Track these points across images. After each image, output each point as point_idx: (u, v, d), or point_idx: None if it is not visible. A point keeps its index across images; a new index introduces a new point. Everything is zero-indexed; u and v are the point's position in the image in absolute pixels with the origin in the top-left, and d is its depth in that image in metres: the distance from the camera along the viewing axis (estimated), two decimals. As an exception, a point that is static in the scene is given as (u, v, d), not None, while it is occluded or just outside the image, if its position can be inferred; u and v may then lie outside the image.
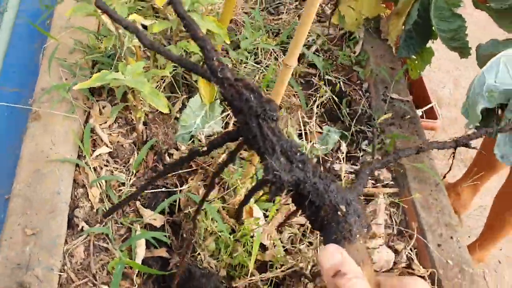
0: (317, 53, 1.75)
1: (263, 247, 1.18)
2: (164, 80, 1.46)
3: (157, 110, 1.40)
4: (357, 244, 0.51)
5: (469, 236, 2.20)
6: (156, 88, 1.42)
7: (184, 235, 1.17)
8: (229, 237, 1.12)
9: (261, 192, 1.21)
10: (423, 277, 1.25)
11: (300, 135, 1.46)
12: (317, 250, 1.19)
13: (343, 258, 0.49)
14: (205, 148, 0.59)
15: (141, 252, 1.13)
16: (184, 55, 1.43)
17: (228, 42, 1.21)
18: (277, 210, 1.22)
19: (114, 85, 1.16)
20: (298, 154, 0.52)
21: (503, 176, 1.88)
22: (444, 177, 1.10)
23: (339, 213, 0.51)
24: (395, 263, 1.26)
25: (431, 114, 2.09)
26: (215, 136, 1.39)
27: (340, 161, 1.44)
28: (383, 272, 1.24)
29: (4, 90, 1.47)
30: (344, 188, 0.53)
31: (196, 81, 1.40)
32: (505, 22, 1.51)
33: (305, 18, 0.80)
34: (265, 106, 0.51)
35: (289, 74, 0.87)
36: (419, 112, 2.04)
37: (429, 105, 2.07)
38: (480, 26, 2.47)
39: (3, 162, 1.25)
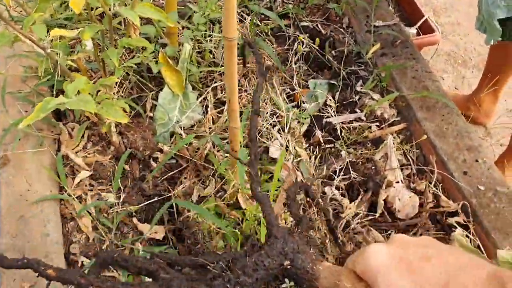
0: (286, 1, 1.60)
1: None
2: (130, 80, 1.36)
3: (130, 115, 1.30)
4: (319, 269, 0.64)
5: (501, 145, 2.05)
6: (120, 91, 1.32)
7: (189, 241, 1.09)
8: (234, 231, 1.03)
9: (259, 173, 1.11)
10: (454, 213, 1.14)
11: (289, 97, 1.34)
12: (327, 219, 1.09)
13: None
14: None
15: (149, 271, 1.05)
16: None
17: (172, 25, 1.08)
18: (278, 188, 1.12)
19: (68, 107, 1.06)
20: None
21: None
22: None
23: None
24: (421, 205, 1.15)
25: (427, 28, 1.92)
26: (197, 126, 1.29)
27: (337, 113, 1.32)
28: (411, 218, 1.14)
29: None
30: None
31: (159, 71, 1.29)
32: None
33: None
34: None
35: (235, 48, 0.75)
36: (413, 29, 1.88)
37: (422, 19, 1.90)
38: None
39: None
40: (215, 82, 1.36)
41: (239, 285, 0.62)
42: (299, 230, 0.73)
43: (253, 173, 0.73)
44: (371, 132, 1.29)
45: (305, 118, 1.24)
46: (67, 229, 1.11)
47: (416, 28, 1.91)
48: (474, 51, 2.37)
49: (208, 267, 0.65)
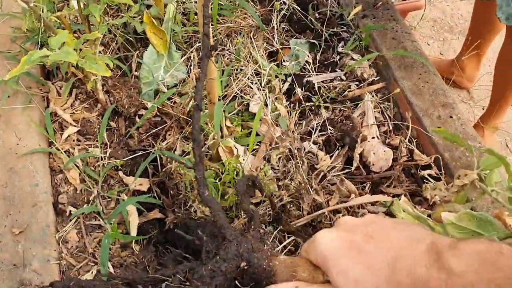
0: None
1: (254, 181, 1.14)
2: (116, 41, 1.39)
3: (116, 75, 1.34)
4: (275, 264, 0.66)
5: (483, 108, 2.09)
6: (107, 51, 1.35)
7: (172, 192, 1.14)
8: (215, 182, 1.08)
9: (239, 129, 1.15)
10: (427, 166, 1.20)
11: (268, 56, 1.37)
12: (307, 171, 1.14)
13: None
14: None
15: (134, 219, 1.11)
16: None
17: (132, 4, 1.10)
18: (259, 142, 1.17)
19: (53, 63, 1.09)
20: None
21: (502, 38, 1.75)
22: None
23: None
24: (395, 160, 1.20)
25: (412, -6, 1.94)
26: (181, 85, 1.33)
27: (318, 73, 1.35)
28: (385, 171, 1.19)
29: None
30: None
31: (144, 32, 1.32)
32: None
33: None
34: None
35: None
36: (399, -5, 1.90)
37: (408, -16, 1.92)
38: None
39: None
40: (199, 42, 1.40)
41: None
42: (252, 227, 0.74)
43: (199, 176, 0.72)
44: (350, 91, 1.33)
45: (284, 75, 1.28)
46: (55, 181, 1.16)
47: (403, -7, 1.93)
48: (460, 17, 2.39)
49: (166, 282, 0.65)
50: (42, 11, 0.98)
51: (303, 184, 1.07)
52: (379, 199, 1.05)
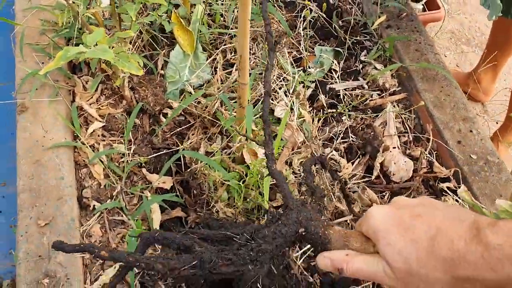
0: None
1: (276, 186, 1.15)
2: (142, 39, 1.40)
3: (142, 72, 1.35)
4: (330, 233, 0.71)
5: (497, 122, 2.10)
6: (132, 48, 1.36)
7: (195, 192, 1.15)
8: (239, 184, 1.09)
9: (263, 133, 1.17)
10: (446, 178, 1.21)
11: (296, 62, 1.39)
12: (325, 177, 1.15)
13: (330, 260, 0.69)
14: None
15: (157, 217, 1.12)
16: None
17: (164, 3, 1.11)
18: (283, 147, 1.18)
19: (85, 58, 1.11)
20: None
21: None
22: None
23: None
24: (415, 170, 1.22)
25: (433, 5, 1.95)
26: (206, 86, 1.34)
27: (341, 80, 1.37)
28: (405, 182, 1.20)
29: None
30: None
31: (172, 31, 1.33)
32: None
33: None
34: None
35: (248, 6, 0.80)
36: (420, 5, 1.91)
37: (429, -4, 1.93)
38: None
39: (4, 160, 1.25)
40: (225, 45, 1.41)
41: (261, 252, 0.70)
42: (312, 200, 0.83)
43: (268, 152, 0.81)
44: (372, 100, 1.35)
45: (310, 81, 1.29)
46: (80, 175, 1.18)
47: (423, 4, 1.94)
48: (478, 30, 2.40)
49: (235, 239, 0.73)
50: (79, 8, 1.00)
51: (325, 191, 1.08)
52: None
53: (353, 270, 0.67)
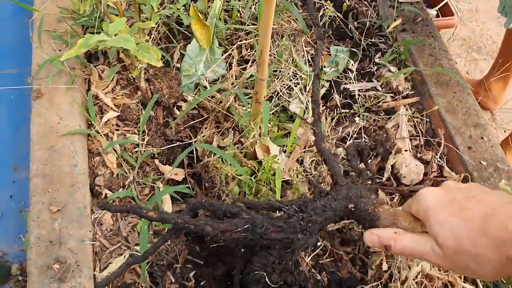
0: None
1: (287, 183, 1.16)
2: (159, 31, 1.41)
3: (157, 64, 1.35)
4: (380, 211, 0.73)
5: (505, 131, 2.11)
6: (149, 40, 1.37)
7: (206, 185, 1.16)
8: (250, 179, 1.10)
9: (276, 130, 1.18)
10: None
11: (307, 61, 1.39)
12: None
13: (378, 236, 0.70)
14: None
15: (168, 208, 1.13)
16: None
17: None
18: (294, 144, 1.19)
19: (104, 47, 1.11)
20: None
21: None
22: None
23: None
24: (425, 174, 1.22)
25: (447, 11, 1.96)
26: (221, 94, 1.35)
27: (352, 81, 1.37)
28: (415, 185, 1.21)
29: (6, 73, 1.45)
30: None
31: (189, 25, 1.34)
32: None
33: None
34: None
35: (273, 1, 0.81)
36: (434, 11, 1.91)
37: (443, 2, 1.93)
38: None
39: (16, 145, 1.26)
40: (240, 41, 1.42)
41: (311, 222, 0.72)
42: (360, 181, 0.87)
43: (317, 131, 0.85)
44: (385, 102, 1.35)
45: (326, 81, 1.30)
46: (93, 163, 1.19)
47: (436, 10, 1.94)
48: (489, 38, 2.41)
49: (283, 209, 0.75)
50: (102, -3, 1.00)
51: (371, 173, 1.09)
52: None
53: (401, 247, 0.68)
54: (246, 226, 0.70)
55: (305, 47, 1.39)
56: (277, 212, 0.78)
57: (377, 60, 1.45)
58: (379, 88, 1.38)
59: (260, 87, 1.00)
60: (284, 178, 1.13)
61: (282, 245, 0.73)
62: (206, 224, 0.69)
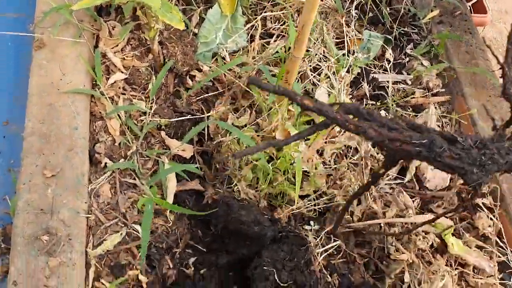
0: None
1: (304, 173, 1.07)
2: (179, -8, 1.29)
3: (173, 27, 1.23)
4: None
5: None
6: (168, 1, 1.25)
7: (217, 166, 1.06)
8: (268, 166, 1.00)
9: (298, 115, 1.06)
10: (482, 194, 1.13)
11: (338, 44, 1.28)
12: (362, 173, 1.07)
13: None
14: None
15: (172, 186, 1.03)
16: None
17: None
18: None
19: (120, 2, 1.00)
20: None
21: None
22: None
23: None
24: (451, 179, 1.14)
25: (479, 8, 1.84)
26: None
27: (385, 70, 1.27)
28: (438, 191, 1.13)
29: (6, 17, 1.32)
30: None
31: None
32: None
33: None
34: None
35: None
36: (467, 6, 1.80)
37: (477, -2, 1.82)
38: None
39: (10, 96, 1.15)
40: (265, 12, 1.30)
41: (491, 160, 0.67)
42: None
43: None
44: (414, 98, 1.26)
45: (358, 67, 1.19)
46: (94, 127, 1.08)
47: (469, 6, 1.83)
48: (514, 43, 2.31)
49: (459, 139, 0.68)
50: None
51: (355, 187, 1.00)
52: (440, 221, 0.99)
53: None
54: (424, 141, 0.64)
55: (335, 28, 1.28)
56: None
57: (408, 51, 1.34)
58: (409, 82, 1.28)
59: (293, 65, 0.90)
60: (304, 169, 1.03)
61: (452, 173, 0.68)
62: (370, 127, 0.60)
